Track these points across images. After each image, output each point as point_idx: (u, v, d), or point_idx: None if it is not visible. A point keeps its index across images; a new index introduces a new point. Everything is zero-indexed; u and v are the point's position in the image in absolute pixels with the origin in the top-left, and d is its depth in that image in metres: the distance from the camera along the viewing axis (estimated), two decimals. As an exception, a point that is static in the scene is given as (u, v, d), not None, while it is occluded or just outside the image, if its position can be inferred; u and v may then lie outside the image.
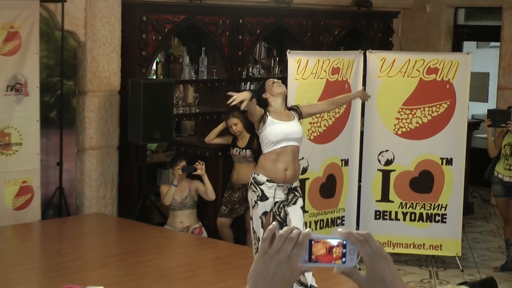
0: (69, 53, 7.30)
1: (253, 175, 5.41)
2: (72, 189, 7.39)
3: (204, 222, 7.22)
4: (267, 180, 5.32)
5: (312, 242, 1.43)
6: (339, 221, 7.20)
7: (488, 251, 7.94)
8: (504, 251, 7.53)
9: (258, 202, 5.33)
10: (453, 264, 7.36)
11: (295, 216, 5.33)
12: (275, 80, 5.62)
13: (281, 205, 5.34)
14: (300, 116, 5.53)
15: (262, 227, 5.25)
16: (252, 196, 5.36)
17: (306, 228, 5.35)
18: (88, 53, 7.32)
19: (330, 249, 1.43)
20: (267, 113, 5.39)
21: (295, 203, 5.37)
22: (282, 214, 5.34)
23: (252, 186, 5.36)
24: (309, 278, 5.20)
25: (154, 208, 7.55)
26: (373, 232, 6.59)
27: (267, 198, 5.32)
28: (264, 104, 5.42)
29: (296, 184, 5.45)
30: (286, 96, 5.68)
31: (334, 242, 1.44)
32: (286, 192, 5.37)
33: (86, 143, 7.40)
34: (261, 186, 5.32)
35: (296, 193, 5.42)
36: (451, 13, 10.51)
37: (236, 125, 7.11)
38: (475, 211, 9.47)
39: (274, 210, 5.33)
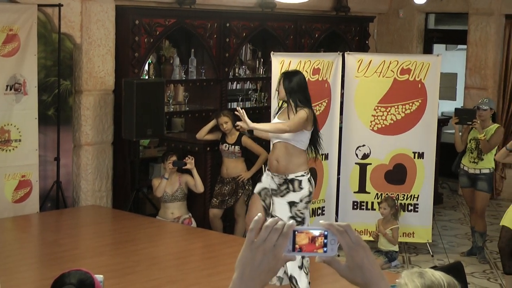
0: (66, 55, 7.24)
1: None
2: (69, 183, 7.34)
3: (194, 213, 7.19)
4: (267, 169, 5.45)
5: (296, 232, 1.43)
6: (319, 211, 7.20)
7: (456, 237, 7.98)
8: (470, 237, 7.58)
9: (258, 183, 5.50)
10: (424, 250, 7.39)
11: (278, 208, 5.22)
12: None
13: (269, 193, 5.30)
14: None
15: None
16: None
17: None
18: (84, 54, 7.27)
19: (312, 239, 1.43)
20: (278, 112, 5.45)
21: (283, 196, 5.22)
22: (267, 201, 5.30)
23: None
24: (289, 267, 5.17)
25: (146, 200, 7.52)
26: (350, 221, 6.56)
27: (260, 182, 5.45)
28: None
29: (292, 176, 5.22)
30: (288, 96, 5.31)
31: (316, 232, 1.44)
32: (281, 182, 5.26)
33: (82, 139, 7.35)
34: (264, 172, 5.49)
35: (290, 186, 5.22)
36: (422, 18, 10.55)
37: (227, 123, 7.07)
38: (444, 201, 9.52)
39: (261, 195, 5.32)
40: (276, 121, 5.39)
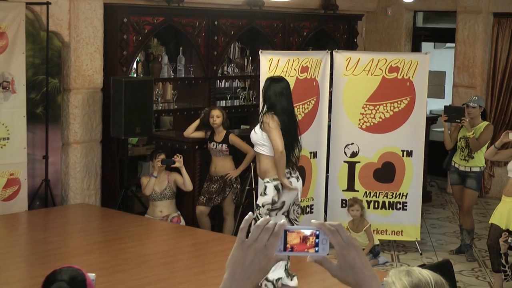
0: (54, 53, 7.20)
1: None
2: (57, 181, 7.31)
3: (182, 211, 7.18)
4: None
5: (287, 232, 1.42)
6: (308, 209, 7.20)
7: (444, 235, 8.00)
8: (458, 235, 7.60)
9: None
10: (412, 248, 7.41)
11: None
12: None
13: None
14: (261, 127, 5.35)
15: None
16: None
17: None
18: (72, 52, 7.24)
19: (304, 239, 1.42)
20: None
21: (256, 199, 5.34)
22: None
23: None
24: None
25: (135, 198, 7.50)
26: (339, 219, 6.54)
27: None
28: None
29: (264, 181, 5.32)
30: (263, 105, 5.39)
31: (307, 232, 1.43)
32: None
33: (70, 138, 7.33)
34: None
35: (260, 190, 5.36)
36: (410, 16, 10.57)
37: (219, 117, 7.03)
38: (433, 199, 9.54)
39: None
40: (257, 128, 5.34)
